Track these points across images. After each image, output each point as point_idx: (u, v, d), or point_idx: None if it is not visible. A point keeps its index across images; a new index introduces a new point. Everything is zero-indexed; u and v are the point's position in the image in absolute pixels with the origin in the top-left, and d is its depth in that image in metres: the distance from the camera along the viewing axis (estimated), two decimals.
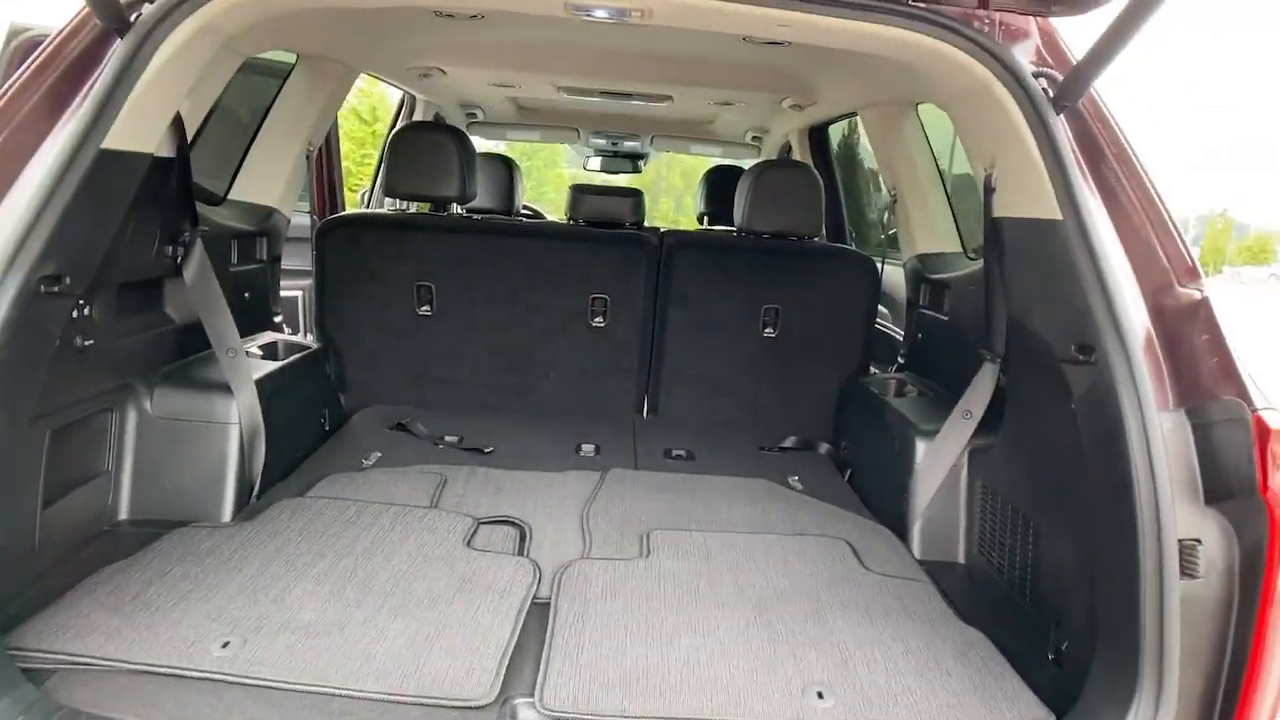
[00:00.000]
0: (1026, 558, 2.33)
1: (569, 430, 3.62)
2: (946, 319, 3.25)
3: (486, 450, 3.33)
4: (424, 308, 3.77)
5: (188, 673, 1.76)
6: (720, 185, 5.71)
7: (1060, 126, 2.02)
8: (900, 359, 3.68)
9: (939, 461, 2.67)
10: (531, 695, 1.78)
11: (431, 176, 3.58)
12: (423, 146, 3.58)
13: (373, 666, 1.82)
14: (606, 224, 3.95)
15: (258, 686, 1.74)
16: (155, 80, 1.96)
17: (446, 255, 3.75)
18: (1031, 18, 2.25)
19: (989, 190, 2.41)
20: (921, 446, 2.73)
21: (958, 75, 2.22)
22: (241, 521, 2.48)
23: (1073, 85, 2.05)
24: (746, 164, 6.27)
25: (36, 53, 1.89)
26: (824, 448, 3.65)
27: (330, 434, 3.43)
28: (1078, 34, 2.28)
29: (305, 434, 3.22)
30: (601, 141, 6.71)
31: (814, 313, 3.83)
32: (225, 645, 1.84)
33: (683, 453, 3.50)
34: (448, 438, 3.44)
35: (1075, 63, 2.18)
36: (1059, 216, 1.97)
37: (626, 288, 3.83)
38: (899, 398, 3.27)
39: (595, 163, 7.20)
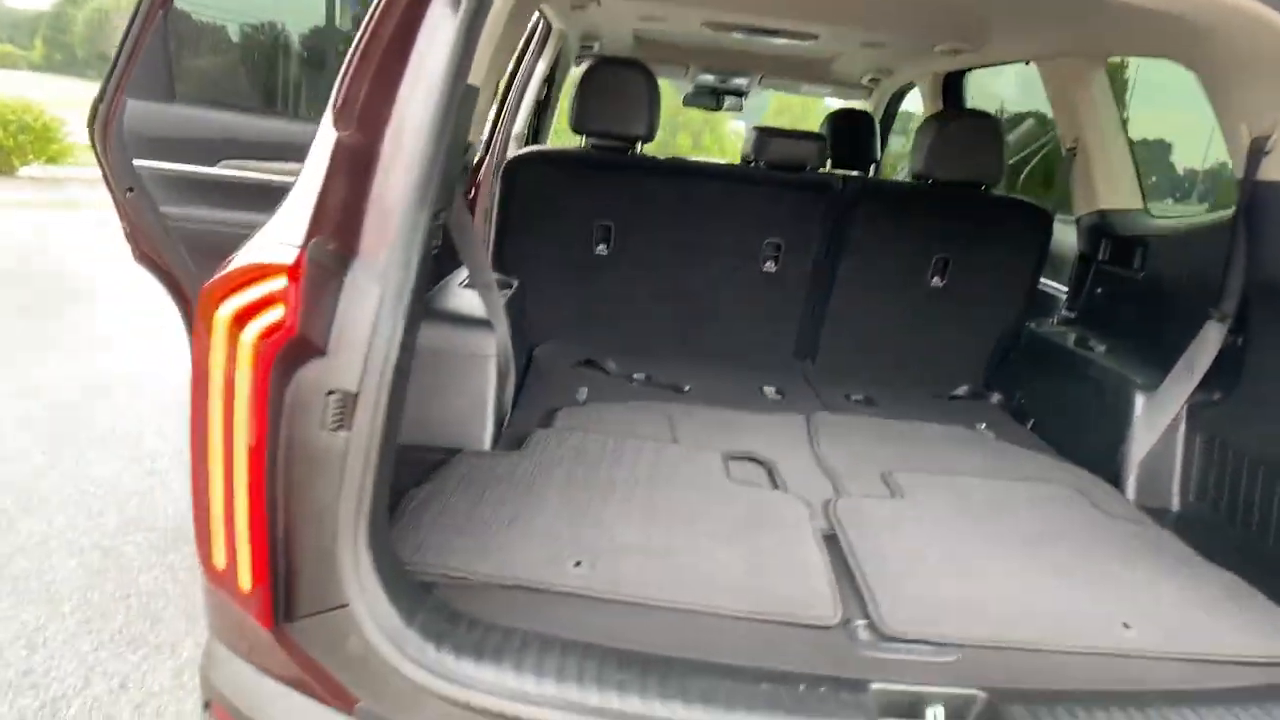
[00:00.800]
0: (1269, 508, 2.44)
1: (744, 372, 3.70)
2: (1140, 276, 3.31)
3: (684, 389, 3.43)
4: (601, 247, 3.82)
5: (556, 588, 1.85)
6: (843, 130, 5.67)
7: None
8: (1066, 312, 3.75)
9: (1160, 414, 2.77)
10: (866, 619, 1.90)
11: (623, 115, 3.59)
12: (619, 83, 3.59)
13: (722, 587, 1.91)
14: (785, 167, 3.96)
15: (624, 603, 1.84)
16: (495, 13, 2.00)
17: (628, 195, 3.79)
18: None
19: (1258, 153, 2.46)
20: (1140, 399, 2.83)
21: (1257, 35, 2.23)
22: (510, 450, 2.58)
23: None
24: (862, 106, 6.22)
25: None
26: (995, 397, 3.74)
27: (526, 369, 3.53)
28: None
29: (518, 368, 3.31)
30: (709, 78, 6.62)
31: (983, 263, 3.88)
32: (578, 565, 1.93)
33: (861, 398, 3.59)
34: (635, 375, 3.53)
35: None
36: None
37: (802, 233, 3.87)
38: (1086, 350, 3.35)
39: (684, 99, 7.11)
